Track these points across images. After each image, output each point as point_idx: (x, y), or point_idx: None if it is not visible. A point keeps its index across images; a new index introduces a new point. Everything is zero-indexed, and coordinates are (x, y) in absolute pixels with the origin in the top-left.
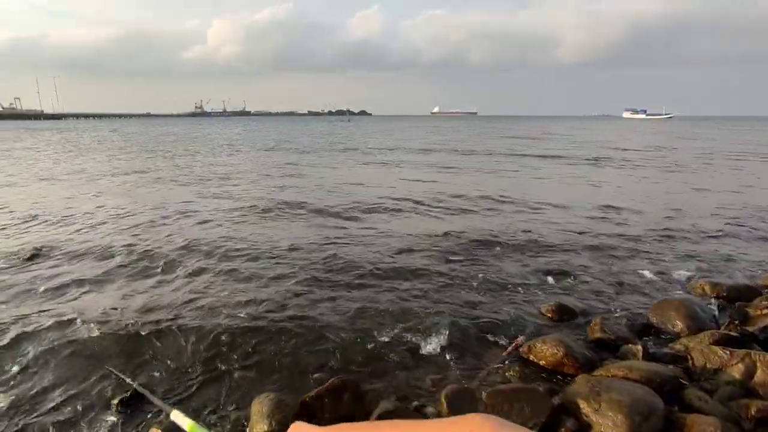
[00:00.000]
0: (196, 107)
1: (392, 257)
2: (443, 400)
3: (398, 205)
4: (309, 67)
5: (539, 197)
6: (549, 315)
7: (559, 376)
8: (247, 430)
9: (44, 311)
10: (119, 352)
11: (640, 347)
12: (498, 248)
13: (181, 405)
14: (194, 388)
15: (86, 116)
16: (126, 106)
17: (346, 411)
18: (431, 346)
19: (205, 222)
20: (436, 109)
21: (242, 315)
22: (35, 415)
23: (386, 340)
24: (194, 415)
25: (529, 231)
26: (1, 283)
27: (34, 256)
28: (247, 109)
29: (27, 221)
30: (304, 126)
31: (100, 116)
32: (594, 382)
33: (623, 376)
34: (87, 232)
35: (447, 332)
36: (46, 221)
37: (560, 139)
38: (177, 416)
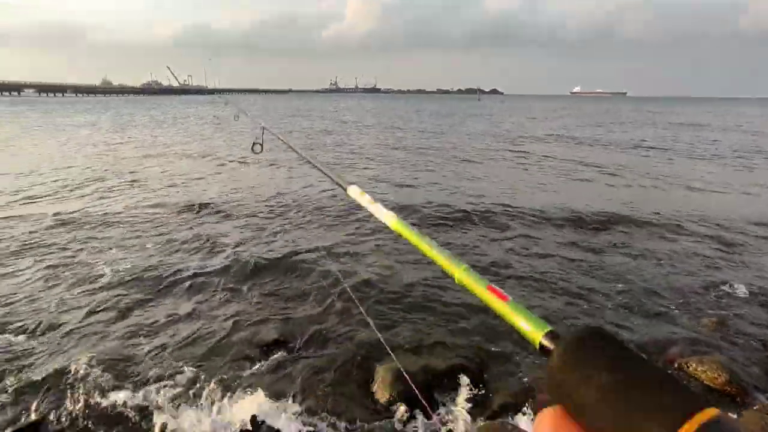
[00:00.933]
0: (330, 84)
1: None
2: None
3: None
4: (440, 44)
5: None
6: (710, 328)
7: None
8: (373, 392)
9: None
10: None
11: None
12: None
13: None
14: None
15: (240, 91)
16: (272, 82)
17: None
18: None
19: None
20: (577, 89)
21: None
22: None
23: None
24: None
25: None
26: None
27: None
28: (377, 86)
29: (192, 181)
30: (433, 104)
31: (251, 91)
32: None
33: None
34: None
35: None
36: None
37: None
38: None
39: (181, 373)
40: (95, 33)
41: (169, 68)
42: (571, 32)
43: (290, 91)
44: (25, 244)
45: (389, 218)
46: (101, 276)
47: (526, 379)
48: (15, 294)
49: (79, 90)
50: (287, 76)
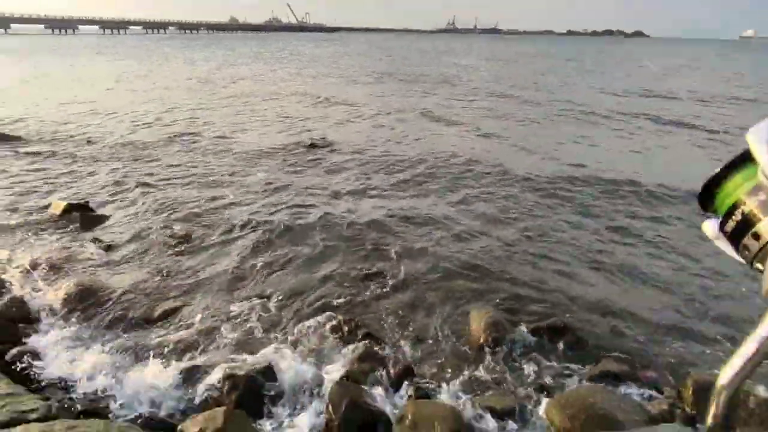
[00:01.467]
0: (448, 24)
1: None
2: (689, 385)
3: None
4: None
5: None
6: None
7: None
8: (466, 336)
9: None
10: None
11: None
12: None
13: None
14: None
15: (355, 29)
16: (384, 21)
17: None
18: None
19: None
20: (749, 32)
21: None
22: None
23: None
24: None
25: None
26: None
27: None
28: (499, 27)
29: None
30: (561, 49)
31: (366, 30)
32: None
33: None
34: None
35: None
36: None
37: None
38: None
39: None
40: None
41: (288, 5)
42: None
43: (407, 30)
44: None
45: None
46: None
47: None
48: None
49: (210, 27)
50: (404, 14)
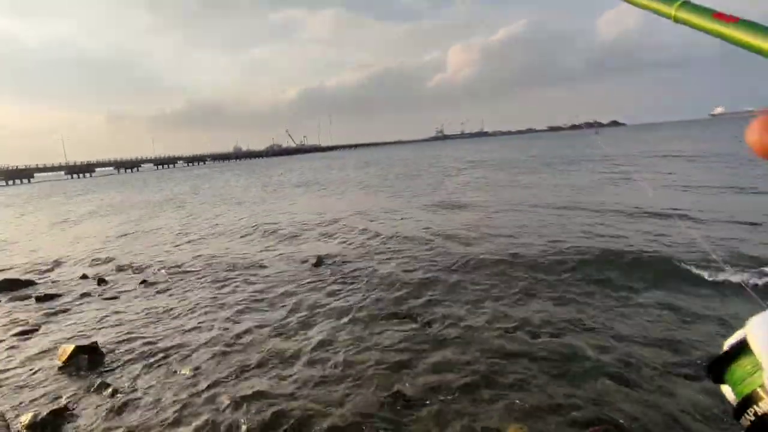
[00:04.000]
0: (436, 131)
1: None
2: None
3: None
4: (548, 80)
5: None
6: None
7: None
8: None
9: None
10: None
11: None
12: None
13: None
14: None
15: (351, 146)
16: (379, 135)
17: None
18: None
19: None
20: (719, 110)
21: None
22: None
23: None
24: None
25: None
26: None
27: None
28: (484, 130)
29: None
30: (538, 143)
31: (361, 146)
32: None
33: None
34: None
35: None
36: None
37: None
38: None
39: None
40: (231, 108)
41: (287, 131)
42: (705, 49)
43: (399, 142)
44: None
45: None
46: None
47: None
48: None
49: (215, 158)
50: (395, 128)
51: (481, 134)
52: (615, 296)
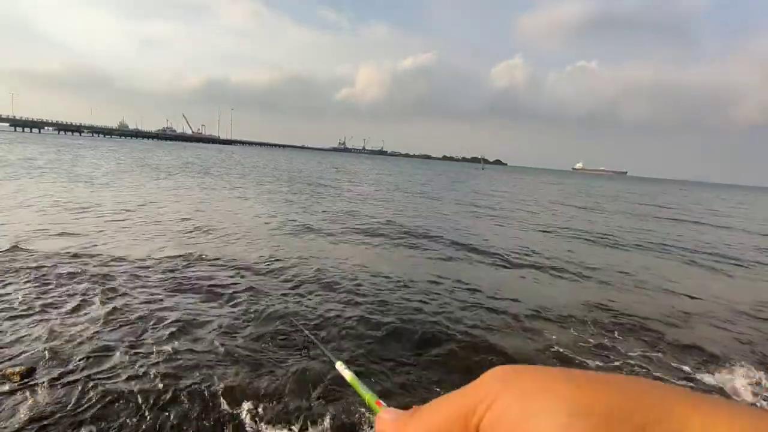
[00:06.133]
0: (339, 143)
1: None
2: None
3: None
4: (447, 113)
5: None
6: None
7: None
8: None
9: None
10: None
11: None
12: None
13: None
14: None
15: (251, 143)
16: (283, 137)
17: None
18: None
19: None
20: (579, 165)
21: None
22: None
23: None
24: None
25: None
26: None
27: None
28: (384, 149)
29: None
30: (438, 169)
31: (263, 144)
32: None
33: None
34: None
35: None
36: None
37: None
38: (340, 366)
39: None
40: (122, 81)
41: (184, 116)
42: (574, 110)
43: (303, 147)
44: None
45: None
46: None
47: None
48: None
49: (95, 130)
50: (299, 133)
51: (381, 152)
52: None
